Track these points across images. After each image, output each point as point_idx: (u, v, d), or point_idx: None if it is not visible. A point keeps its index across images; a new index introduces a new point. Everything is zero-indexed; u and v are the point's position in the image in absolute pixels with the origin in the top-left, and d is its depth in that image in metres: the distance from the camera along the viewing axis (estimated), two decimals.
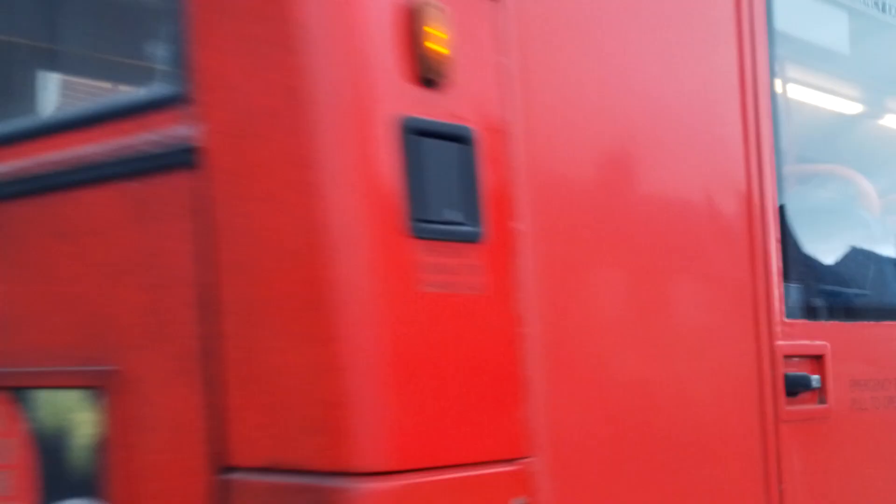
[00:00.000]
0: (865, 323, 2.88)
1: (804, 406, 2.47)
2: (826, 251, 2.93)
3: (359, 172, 1.58)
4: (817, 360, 2.53)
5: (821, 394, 2.51)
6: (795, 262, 2.60)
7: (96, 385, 1.91)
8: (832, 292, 2.89)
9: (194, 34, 1.73)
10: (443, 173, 1.64)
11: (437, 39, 1.65)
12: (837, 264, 3.01)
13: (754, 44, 2.40)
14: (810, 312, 2.66)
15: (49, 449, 2.00)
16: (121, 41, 2.89)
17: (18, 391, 2.06)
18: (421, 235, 1.59)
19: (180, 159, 1.74)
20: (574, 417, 1.89)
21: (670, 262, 2.15)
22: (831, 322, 2.72)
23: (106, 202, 1.89)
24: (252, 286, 1.66)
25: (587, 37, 2.02)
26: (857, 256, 3.15)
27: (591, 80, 2.03)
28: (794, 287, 2.56)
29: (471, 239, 1.68)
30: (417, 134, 1.62)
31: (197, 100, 1.73)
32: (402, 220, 1.59)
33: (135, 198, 1.83)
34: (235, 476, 1.68)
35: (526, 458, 1.76)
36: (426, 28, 1.63)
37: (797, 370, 2.43)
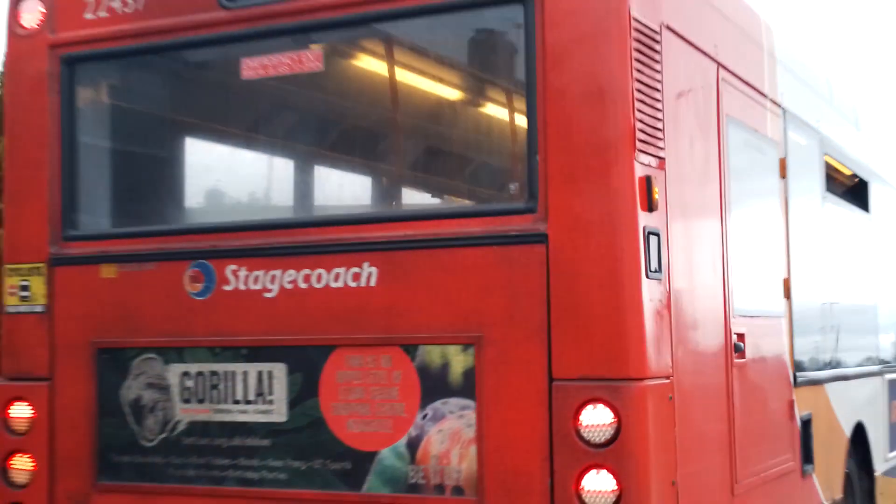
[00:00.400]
0: None
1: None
2: None
3: (627, 252, 3.82)
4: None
5: None
6: None
7: (470, 343, 4.06)
8: None
9: (547, 182, 3.94)
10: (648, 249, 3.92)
11: (655, 192, 3.89)
12: None
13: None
14: None
15: (430, 375, 4.11)
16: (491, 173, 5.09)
17: (408, 347, 4.18)
18: (649, 277, 3.83)
19: (535, 239, 3.95)
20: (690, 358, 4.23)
21: None
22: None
23: (483, 255, 4.07)
24: (570, 296, 3.87)
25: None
26: None
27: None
28: None
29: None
30: (647, 234, 3.86)
31: (546, 211, 3.93)
32: (641, 271, 3.84)
33: (503, 255, 4.02)
34: (559, 383, 3.87)
35: (672, 376, 4.04)
36: (653, 187, 3.88)
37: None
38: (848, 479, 6.77)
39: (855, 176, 7.75)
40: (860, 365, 7.42)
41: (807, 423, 5.72)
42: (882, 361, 8.01)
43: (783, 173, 5.69)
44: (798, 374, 5.70)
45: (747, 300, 4.99)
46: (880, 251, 8.29)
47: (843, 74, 10.06)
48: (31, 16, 5.01)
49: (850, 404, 6.91)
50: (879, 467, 7.51)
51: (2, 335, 5.06)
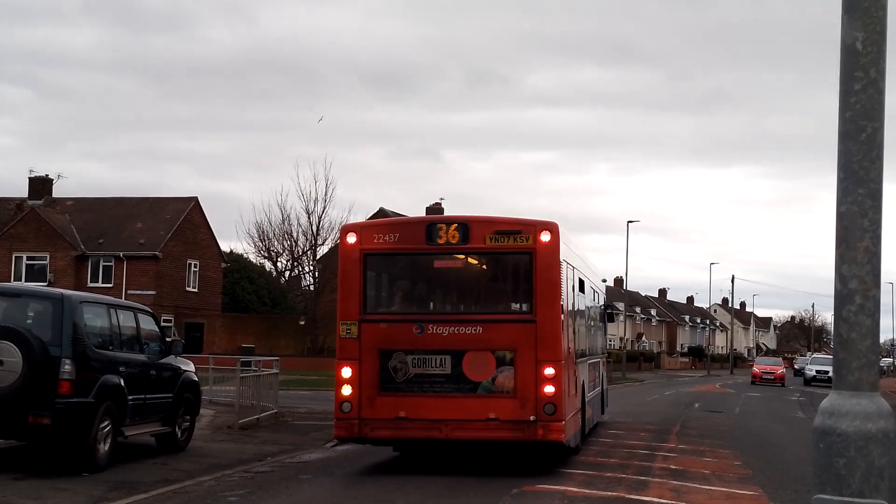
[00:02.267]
0: None
1: None
2: None
3: (558, 327, 15.39)
4: None
5: None
6: None
7: (512, 349, 15.43)
8: None
9: (535, 306, 14.85)
10: None
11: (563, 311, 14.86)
12: None
13: None
14: None
15: (499, 360, 15.28)
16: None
17: (493, 350, 15.30)
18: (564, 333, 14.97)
19: (531, 321, 15.46)
20: None
21: None
22: None
23: (516, 326, 15.60)
24: (543, 339, 15.23)
25: None
26: None
27: None
28: None
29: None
30: (563, 324, 14.86)
31: (535, 315, 15.18)
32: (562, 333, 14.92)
33: (522, 326, 15.65)
34: (540, 362, 15.31)
35: (562, 360, 15.65)
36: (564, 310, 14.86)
37: None
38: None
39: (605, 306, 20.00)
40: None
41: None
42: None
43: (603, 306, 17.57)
44: (579, 360, 17.18)
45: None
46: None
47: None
48: (352, 238, 15.29)
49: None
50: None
51: (337, 347, 15.08)
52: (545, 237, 15.22)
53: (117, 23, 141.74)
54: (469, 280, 16.83)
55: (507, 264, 16.18)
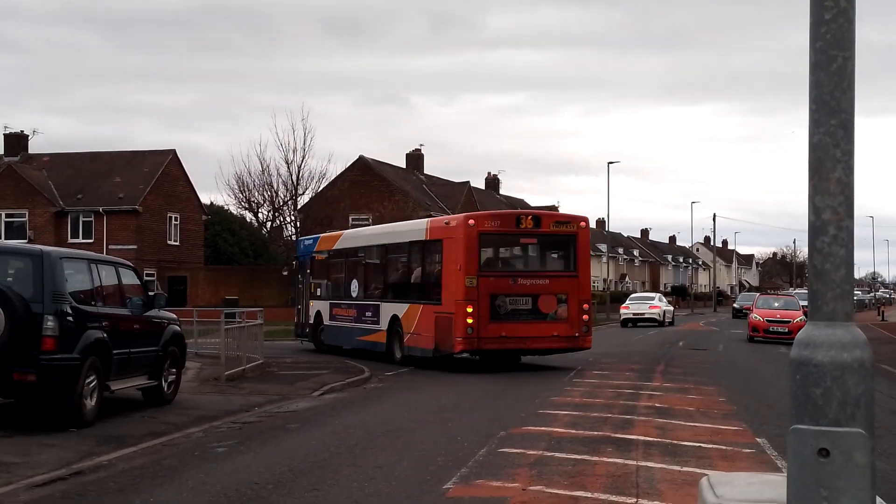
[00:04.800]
0: None
1: None
2: None
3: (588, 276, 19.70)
4: None
5: None
6: None
7: (565, 293, 24.81)
8: None
9: (577, 267, 24.71)
10: None
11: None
12: None
13: None
14: None
15: (559, 300, 24.62)
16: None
17: (556, 294, 24.62)
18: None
19: (575, 276, 24.92)
20: None
21: None
22: None
23: (565, 279, 24.83)
24: (580, 287, 24.81)
25: None
26: None
27: None
28: None
29: None
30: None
31: (577, 272, 24.76)
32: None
33: (570, 278, 25.01)
34: (581, 299, 25.18)
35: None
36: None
37: None
38: None
39: None
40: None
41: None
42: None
43: None
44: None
45: None
46: None
47: None
48: (472, 223, 23.87)
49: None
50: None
51: (462, 292, 23.45)
52: (582, 224, 24.79)
53: None
54: (540, 250, 25.33)
55: (561, 241, 24.99)
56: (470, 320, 22.97)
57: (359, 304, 28.90)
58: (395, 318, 26.49)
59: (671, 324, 58.27)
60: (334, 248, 31.69)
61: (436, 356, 24.66)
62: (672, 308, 63.34)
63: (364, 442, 13.07)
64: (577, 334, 24.09)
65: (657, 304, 57.42)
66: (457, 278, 23.24)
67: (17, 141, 64.20)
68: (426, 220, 28.58)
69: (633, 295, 66.62)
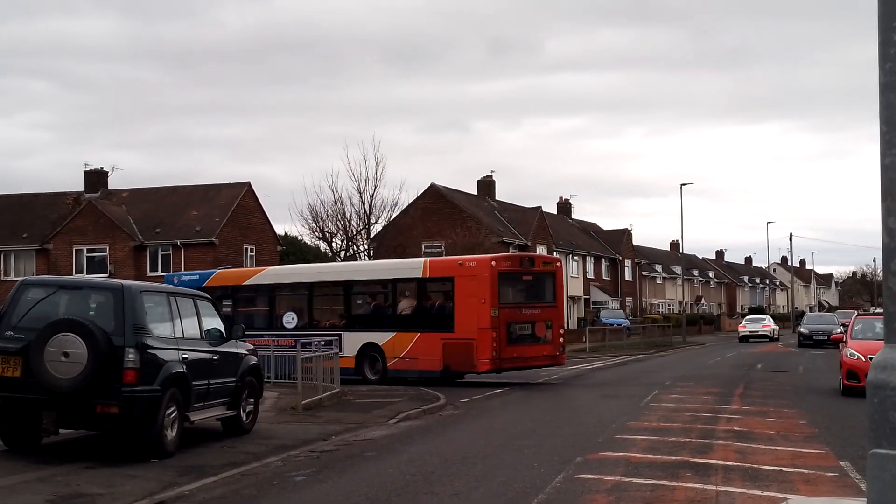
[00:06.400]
0: None
1: None
2: None
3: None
4: None
5: None
6: None
7: (550, 322, 28.36)
8: None
9: (556, 300, 28.15)
10: None
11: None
12: None
13: None
14: None
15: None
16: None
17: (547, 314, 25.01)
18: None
19: (556, 305, 29.55)
20: None
21: None
22: None
23: (551, 308, 28.14)
24: (558, 312, 27.74)
25: None
26: None
27: None
28: None
29: None
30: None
31: (556, 302, 28.84)
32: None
33: (554, 308, 28.93)
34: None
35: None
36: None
37: None
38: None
39: None
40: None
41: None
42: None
43: None
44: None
45: None
46: None
47: None
48: (494, 264, 27.95)
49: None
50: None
51: (488, 322, 27.42)
52: (558, 265, 30.81)
53: (124, 10, 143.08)
54: (535, 286, 29.77)
55: (547, 278, 29.83)
56: (495, 344, 27.28)
57: (300, 334, 30.27)
58: (369, 345, 29.85)
59: (777, 339, 68.68)
60: (247, 283, 34.10)
61: (443, 376, 28.31)
62: (777, 327, 74.08)
63: (441, 469, 13.09)
64: (557, 353, 29.33)
65: (768, 324, 71.07)
66: (481, 310, 27.40)
67: (96, 177, 65.60)
68: (421, 259, 33.94)
69: (748, 317, 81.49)
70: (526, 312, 28.50)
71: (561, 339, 29.55)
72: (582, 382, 30.24)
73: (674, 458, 13.65)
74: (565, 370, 35.79)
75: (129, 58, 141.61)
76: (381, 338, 29.70)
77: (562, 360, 30.05)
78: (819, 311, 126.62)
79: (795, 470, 12.68)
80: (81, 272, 57.01)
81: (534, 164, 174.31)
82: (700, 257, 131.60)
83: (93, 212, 60.20)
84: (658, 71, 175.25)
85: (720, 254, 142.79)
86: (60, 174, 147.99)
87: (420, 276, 29.53)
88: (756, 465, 12.98)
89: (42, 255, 60.50)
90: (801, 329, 59.38)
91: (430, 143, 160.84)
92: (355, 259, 66.76)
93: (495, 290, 27.40)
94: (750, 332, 69.06)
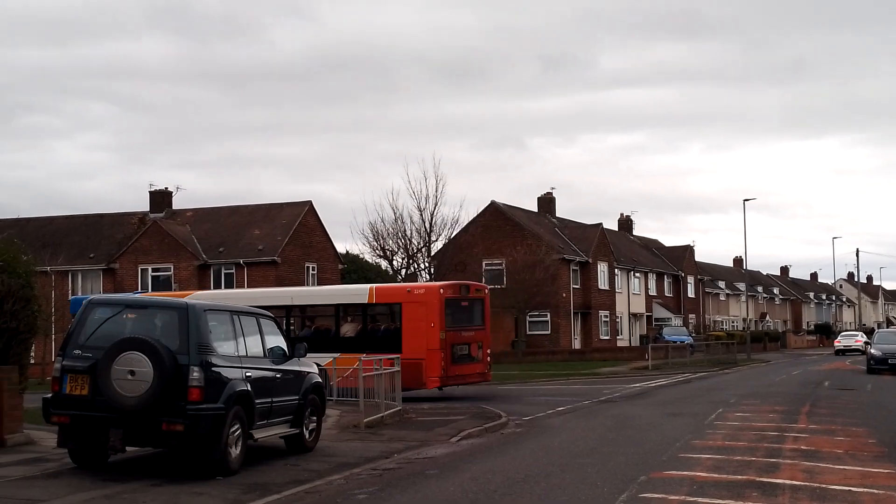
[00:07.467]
0: None
1: None
2: None
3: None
4: None
5: None
6: None
7: (480, 342, 31.73)
8: None
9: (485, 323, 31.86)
10: None
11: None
12: None
13: None
14: None
15: None
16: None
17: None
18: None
19: (482, 329, 32.26)
20: None
21: None
22: None
23: (481, 331, 31.85)
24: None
25: None
26: None
27: None
28: None
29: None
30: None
31: (484, 326, 32.48)
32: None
33: (482, 331, 31.95)
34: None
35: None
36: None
37: None
38: None
39: None
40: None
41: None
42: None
43: None
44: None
45: None
46: None
47: None
48: (441, 291, 30.42)
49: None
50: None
51: (436, 343, 29.24)
52: (486, 291, 33.60)
53: (180, 32, 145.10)
54: (469, 310, 32.01)
55: (478, 304, 32.43)
56: (443, 364, 29.72)
57: None
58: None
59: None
60: None
61: None
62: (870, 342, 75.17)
63: (503, 488, 13.04)
64: (486, 371, 32.24)
65: (860, 339, 76.90)
66: (431, 332, 29.65)
67: (161, 198, 66.50)
68: (367, 285, 35.67)
69: (842, 333, 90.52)
70: (464, 335, 30.99)
71: (489, 359, 32.52)
72: (645, 400, 29.92)
73: (740, 477, 13.47)
74: (627, 388, 35.50)
75: (186, 79, 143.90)
76: (321, 360, 29.65)
77: (489, 377, 32.69)
78: (888, 327, 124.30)
79: (865, 490, 12.45)
80: (147, 291, 57.78)
81: (591, 181, 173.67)
82: (764, 273, 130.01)
83: (158, 231, 61.03)
84: (713, 85, 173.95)
85: (784, 269, 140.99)
86: (122, 194, 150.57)
87: (365, 301, 31.57)
88: (824, 485, 12.76)
89: (109, 274, 61.40)
90: (872, 351, 45.68)
91: (486, 161, 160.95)
92: (416, 277, 67.03)
93: (443, 315, 29.82)
94: (844, 346, 77.20)
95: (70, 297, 42.43)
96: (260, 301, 32.02)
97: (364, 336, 30.77)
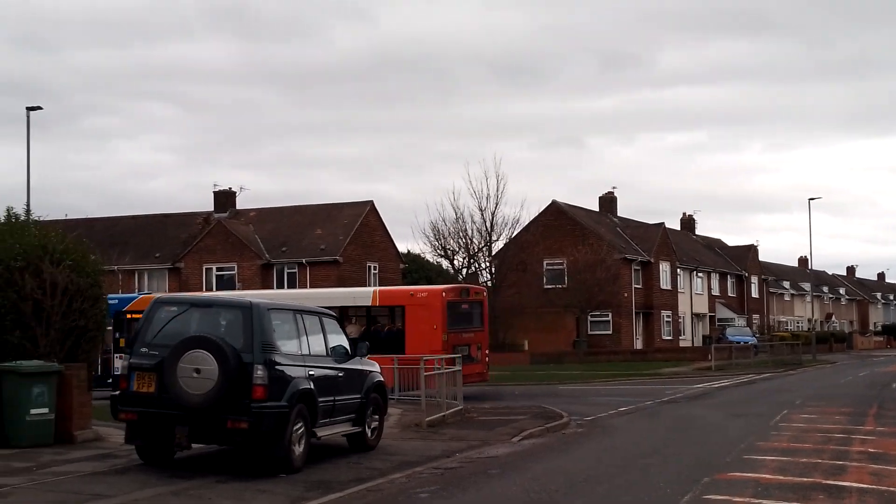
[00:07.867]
0: None
1: None
2: None
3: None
4: None
5: None
6: None
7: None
8: None
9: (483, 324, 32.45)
10: None
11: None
12: None
13: None
14: None
15: None
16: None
17: None
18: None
19: (481, 329, 33.00)
20: None
21: None
22: None
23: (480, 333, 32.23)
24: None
25: None
26: None
27: None
28: None
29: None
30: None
31: (483, 327, 33.45)
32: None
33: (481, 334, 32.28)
34: None
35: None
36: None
37: None
38: None
39: None
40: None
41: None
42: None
43: None
44: None
45: None
46: None
47: None
48: (444, 294, 30.94)
49: None
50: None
51: (441, 344, 29.00)
52: (484, 294, 34.36)
53: (238, 33, 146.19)
54: (469, 313, 32.63)
55: (477, 306, 33.07)
56: None
57: None
58: None
59: None
60: None
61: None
62: None
63: (565, 488, 13.02)
64: (485, 371, 32.91)
65: None
66: (434, 334, 30.17)
67: (225, 198, 67.21)
68: (370, 288, 37.43)
69: None
70: (465, 336, 31.58)
71: (487, 359, 33.43)
72: (707, 401, 29.68)
73: (805, 479, 13.31)
74: (690, 388, 35.20)
75: (245, 79, 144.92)
76: None
77: (486, 377, 33.47)
78: None
79: None
80: (212, 290, 58.45)
81: (652, 180, 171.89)
82: (830, 273, 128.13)
83: (222, 231, 61.70)
84: (774, 83, 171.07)
85: (851, 269, 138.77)
86: (186, 194, 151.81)
87: (368, 304, 32.66)
88: (893, 489, 12.57)
89: (174, 273, 62.21)
90: None
91: (546, 159, 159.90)
92: (477, 277, 67.10)
93: (445, 317, 30.41)
94: None
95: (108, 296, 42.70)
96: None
97: (368, 338, 30.14)
